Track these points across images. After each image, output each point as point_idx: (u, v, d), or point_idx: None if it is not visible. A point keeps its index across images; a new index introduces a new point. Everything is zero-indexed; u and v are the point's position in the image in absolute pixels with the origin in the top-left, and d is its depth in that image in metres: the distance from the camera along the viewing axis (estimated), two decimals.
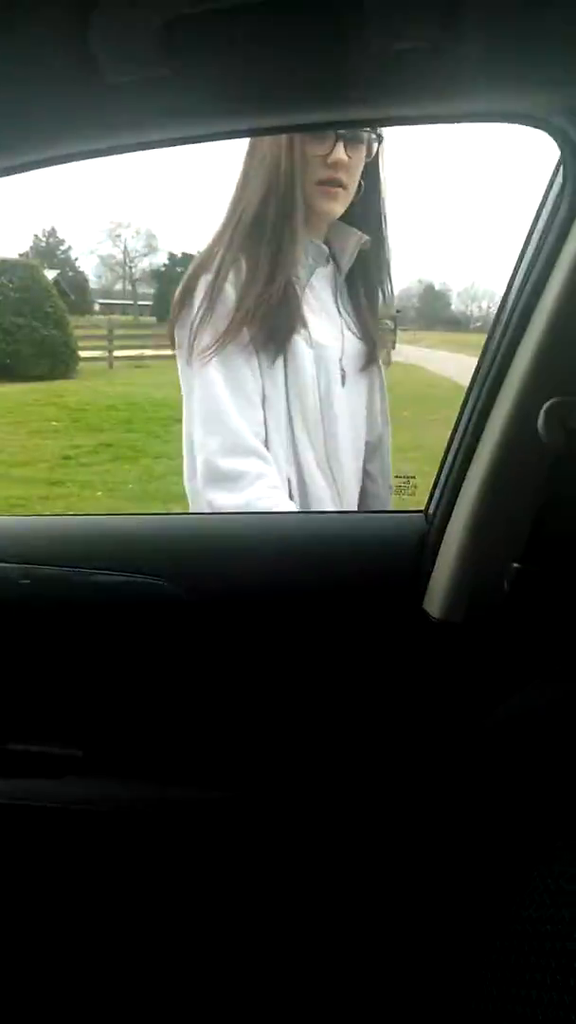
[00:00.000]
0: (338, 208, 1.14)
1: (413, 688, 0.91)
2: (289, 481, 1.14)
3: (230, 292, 1.10)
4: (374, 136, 1.09)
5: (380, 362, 1.25)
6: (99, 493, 5.02)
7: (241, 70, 0.57)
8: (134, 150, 0.66)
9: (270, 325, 1.11)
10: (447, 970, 0.69)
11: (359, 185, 1.14)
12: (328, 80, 0.58)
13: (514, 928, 0.64)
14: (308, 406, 1.17)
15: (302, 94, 0.61)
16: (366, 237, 1.17)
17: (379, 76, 0.58)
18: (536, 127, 0.66)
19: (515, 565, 0.80)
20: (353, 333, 1.22)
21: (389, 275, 1.25)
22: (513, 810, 0.70)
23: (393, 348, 1.33)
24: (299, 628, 0.92)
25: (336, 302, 1.22)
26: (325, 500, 1.18)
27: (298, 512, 1.12)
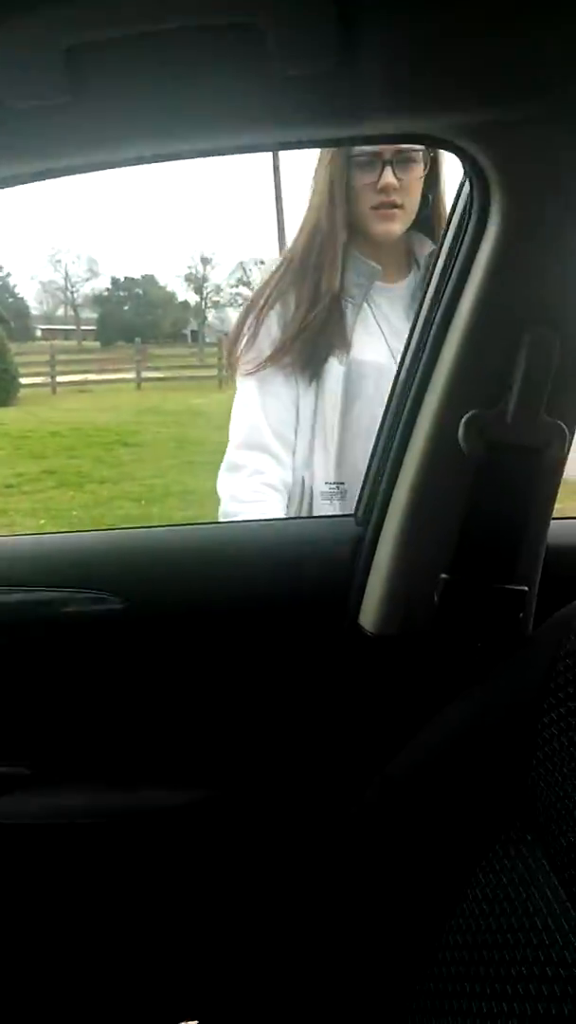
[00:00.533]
0: (396, 227, 1.20)
1: (348, 700, 0.91)
2: (303, 483, 1.23)
3: (274, 321, 1.22)
4: (421, 151, 1.14)
5: None
6: (42, 521, 4.94)
7: (144, 96, 0.57)
8: (40, 178, 0.66)
9: (310, 349, 1.20)
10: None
11: (426, 198, 1.21)
12: (230, 105, 0.59)
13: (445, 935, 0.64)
14: (332, 422, 1.21)
15: (204, 120, 0.61)
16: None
17: (281, 100, 0.59)
18: (441, 148, 0.68)
19: (443, 576, 0.81)
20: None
21: None
22: (439, 827, 0.71)
23: None
24: (231, 638, 0.92)
25: (408, 316, 1.21)
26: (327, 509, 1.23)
27: (228, 522, 1.16)
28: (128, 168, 0.69)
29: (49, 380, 13.80)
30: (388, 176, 1.15)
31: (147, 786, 0.95)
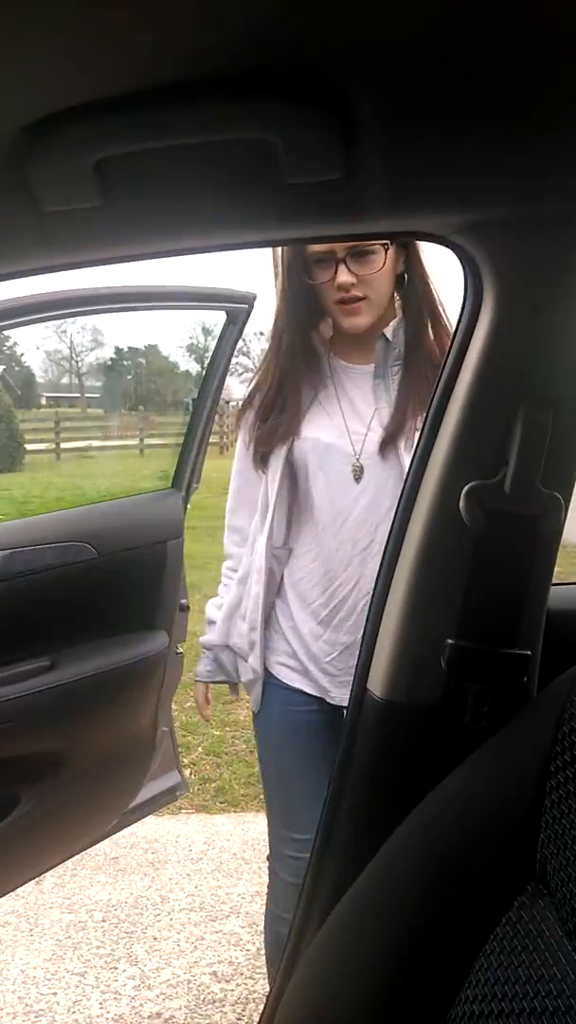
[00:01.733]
0: (362, 321, 1.24)
1: (363, 766, 0.92)
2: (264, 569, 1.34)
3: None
4: (380, 245, 1.17)
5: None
6: None
7: (165, 201, 0.62)
8: (73, 268, 0.71)
9: (268, 433, 1.30)
10: None
11: (402, 279, 1.25)
12: (242, 208, 0.64)
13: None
14: (301, 505, 1.32)
15: (219, 220, 0.67)
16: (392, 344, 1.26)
17: (288, 204, 0.64)
18: (437, 243, 0.74)
19: (450, 641, 0.83)
20: (381, 428, 1.27)
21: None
22: (471, 873, 0.71)
23: None
24: None
25: (374, 399, 1.29)
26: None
27: None
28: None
29: (54, 446, 13.96)
30: (343, 274, 1.18)
31: None
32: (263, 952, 1.55)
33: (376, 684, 0.90)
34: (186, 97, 0.48)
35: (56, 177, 0.55)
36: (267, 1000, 1.06)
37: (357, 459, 1.26)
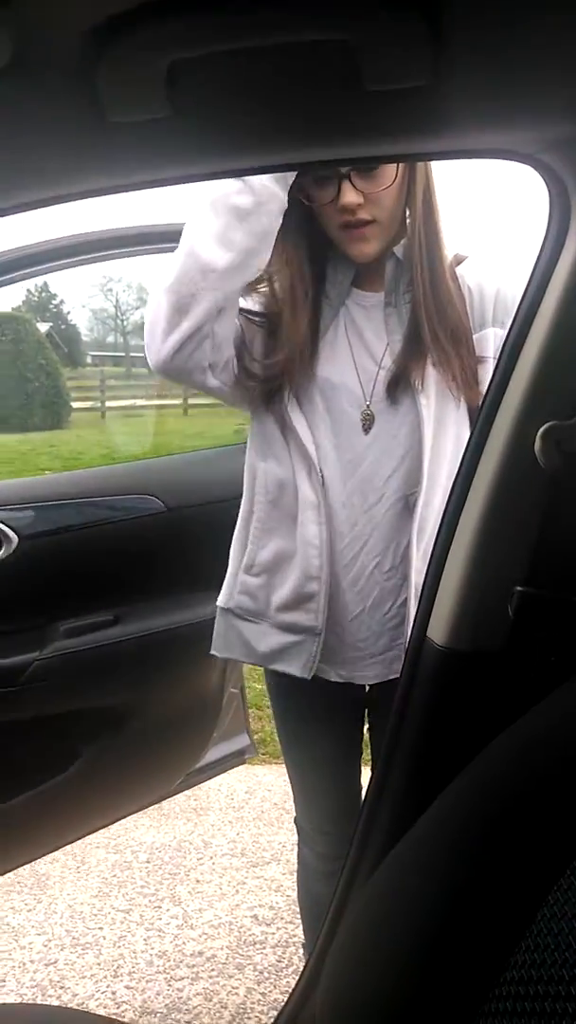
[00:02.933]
0: (370, 248, 1.09)
1: (421, 716, 0.90)
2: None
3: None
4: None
5: (444, 396, 1.11)
6: None
7: (238, 111, 0.59)
8: (136, 188, 0.68)
9: (272, 368, 1.14)
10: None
11: (410, 196, 1.08)
12: (320, 120, 0.61)
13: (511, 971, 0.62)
14: (311, 457, 1.14)
15: (295, 134, 0.63)
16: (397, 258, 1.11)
17: (369, 116, 0.60)
18: (523, 163, 0.69)
19: (518, 588, 0.80)
20: (389, 369, 1.12)
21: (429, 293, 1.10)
22: (530, 828, 0.69)
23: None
24: None
25: (385, 331, 1.13)
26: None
27: None
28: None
29: (99, 405, 14.08)
30: (348, 193, 1.02)
31: None
32: None
33: (437, 631, 0.88)
34: None
35: (126, 83, 0.52)
36: (313, 951, 1.06)
37: (367, 404, 1.13)
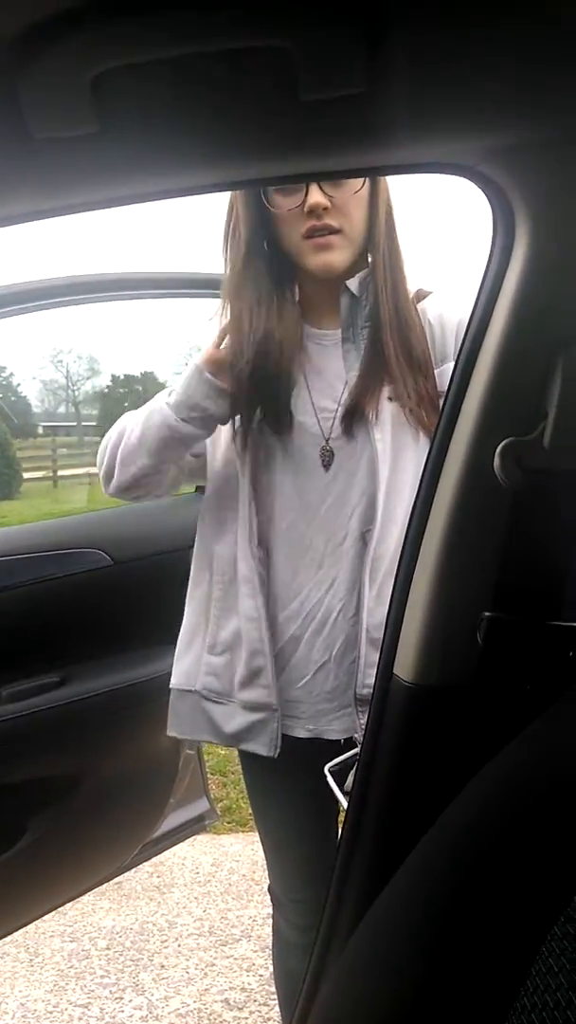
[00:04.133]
0: (336, 258, 1.04)
1: (391, 760, 0.84)
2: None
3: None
4: None
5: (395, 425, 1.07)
6: None
7: (169, 127, 0.57)
8: (67, 212, 0.65)
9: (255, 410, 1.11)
10: None
11: (373, 215, 1.04)
12: (255, 134, 0.59)
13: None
14: (263, 499, 1.12)
15: (229, 150, 0.61)
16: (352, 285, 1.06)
17: (305, 129, 0.58)
18: (463, 176, 0.68)
19: (487, 614, 0.77)
20: (346, 403, 1.08)
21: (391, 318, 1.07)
22: (514, 877, 0.63)
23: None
24: None
25: (344, 368, 1.10)
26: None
27: None
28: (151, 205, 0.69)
29: (51, 474, 13.96)
30: (315, 193, 0.98)
31: None
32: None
33: (404, 668, 0.83)
34: None
35: (50, 96, 0.50)
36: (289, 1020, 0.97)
37: (326, 442, 1.09)
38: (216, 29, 0.48)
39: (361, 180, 1.00)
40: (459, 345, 0.78)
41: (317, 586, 1.11)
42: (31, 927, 2.04)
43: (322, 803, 1.22)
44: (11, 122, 0.50)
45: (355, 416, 1.07)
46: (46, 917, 2.07)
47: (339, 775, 1.10)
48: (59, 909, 2.09)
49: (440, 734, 0.82)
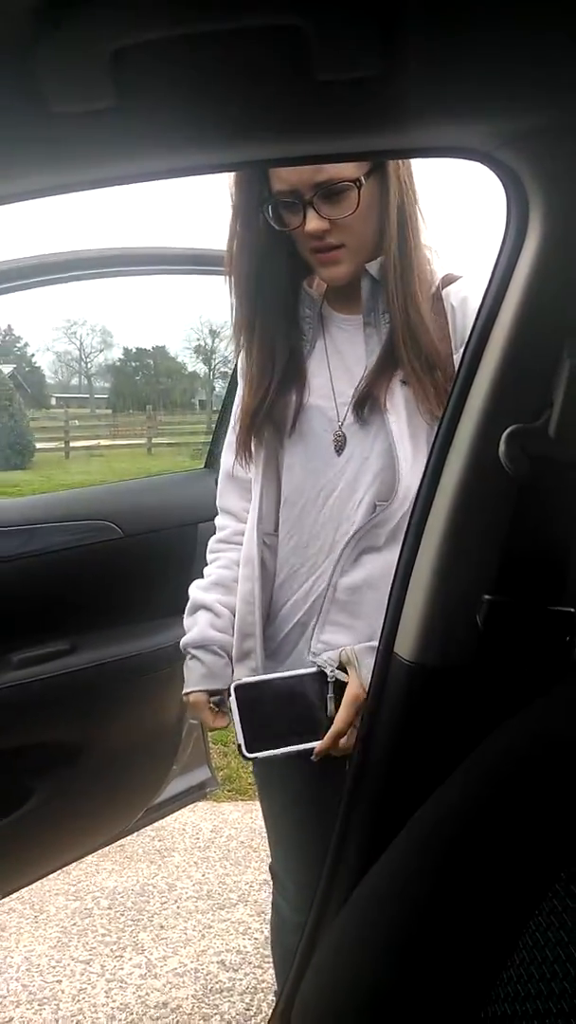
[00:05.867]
0: (341, 271, 1.06)
1: (390, 736, 0.86)
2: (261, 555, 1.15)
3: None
4: (352, 183, 0.99)
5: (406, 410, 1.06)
6: None
7: (186, 102, 0.57)
8: (82, 187, 0.66)
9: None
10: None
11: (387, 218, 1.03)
12: (270, 113, 0.59)
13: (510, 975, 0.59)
14: (274, 481, 1.14)
15: (244, 128, 0.62)
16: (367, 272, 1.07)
17: (320, 109, 0.59)
18: (479, 161, 0.68)
19: (487, 597, 0.78)
20: (360, 388, 1.08)
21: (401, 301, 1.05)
22: (505, 852, 0.65)
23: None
24: None
25: (365, 352, 1.10)
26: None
27: None
28: (171, 181, 0.69)
29: (63, 445, 14.00)
30: (312, 220, 1.00)
31: None
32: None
33: (404, 646, 0.85)
34: None
35: (68, 70, 0.50)
36: (283, 989, 1.01)
37: (340, 426, 1.10)
38: (233, 7, 0.49)
39: (355, 200, 1.00)
40: (471, 333, 0.79)
41: (322, 575, 1.11)
42: (36, 885, 2.09)
43: (324, 782, 1.24)
44: (28, 94, 0.51)
45: (368, 401, 1.07)
46: (51, 876, 2.13)
47: None
48: (63, 869, 2.16)
49: (438, 713, 0.84)
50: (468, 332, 1.07)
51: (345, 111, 0.59)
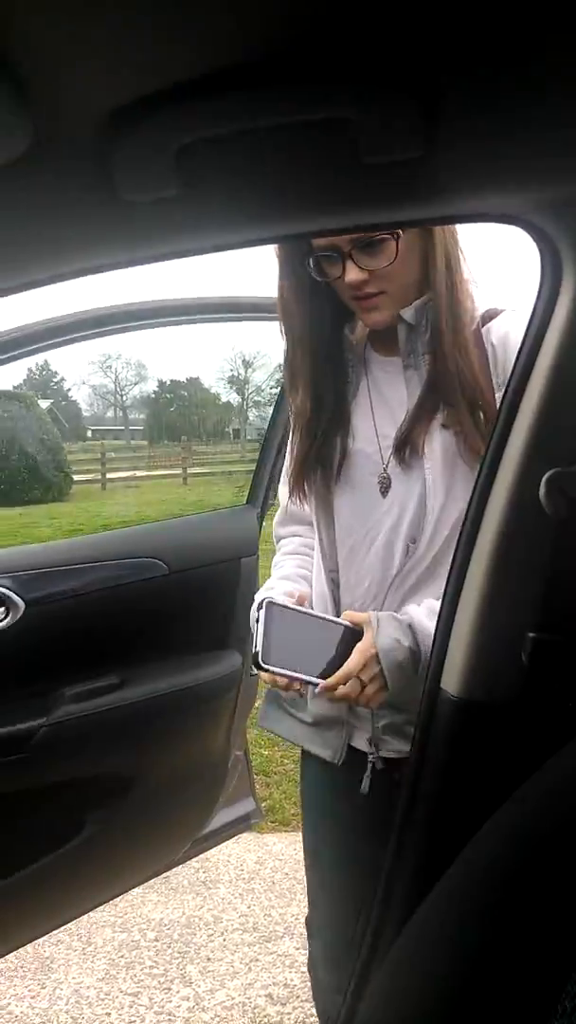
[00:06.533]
0: (381, 316, 1.09)
1: (438, 770, 0.89)
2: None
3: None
4: (390, 236, 1.02)
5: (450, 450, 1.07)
6: None
7: (243, 188, 0.63)
8: (148, 261, 0.72)
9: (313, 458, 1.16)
10: None
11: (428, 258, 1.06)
12: (321, 193, 0.64)
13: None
14: (327, 523, 1.17)
15: (297, 208, 0.67)
16: (404, 318, 1.09)
17: (366, 187, 0.64)
18: (515, 225, 0.73)
19: (531, 635, 0.81)
20: (400, 431, 1.10)
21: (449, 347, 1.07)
22: (556, 889, 0.67)
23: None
24: None
25: (407, 395, 1.12)
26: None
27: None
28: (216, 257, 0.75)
29: (100, 477, 14.23)
30: (351, 272, 1.03)
31: None
32: None
33: (451, 682, 0.88)
34: (266, 78, 0.48)
35: (138, 165, 0.56)
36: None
37: (384, 468, 1.11)
38: (284, 105, 0.54)
39: (393, 250, 1.03)
40: (510, 381, 0.82)
41: (375, 608, 1.12)
42: (83, 917, 2.13)
43: (371, 829, 1.17)
44: (105, 185, 0.57)
45: (407, 444, 1.09)
46: (98, 908, 2.16)
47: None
48: (110, 902, 2.18)
49: (484, 747, 0.87)
50: (510, 367, 1.10)
51: (390, 188, 0.63)
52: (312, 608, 1.16)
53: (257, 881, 2.31)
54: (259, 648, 1.01)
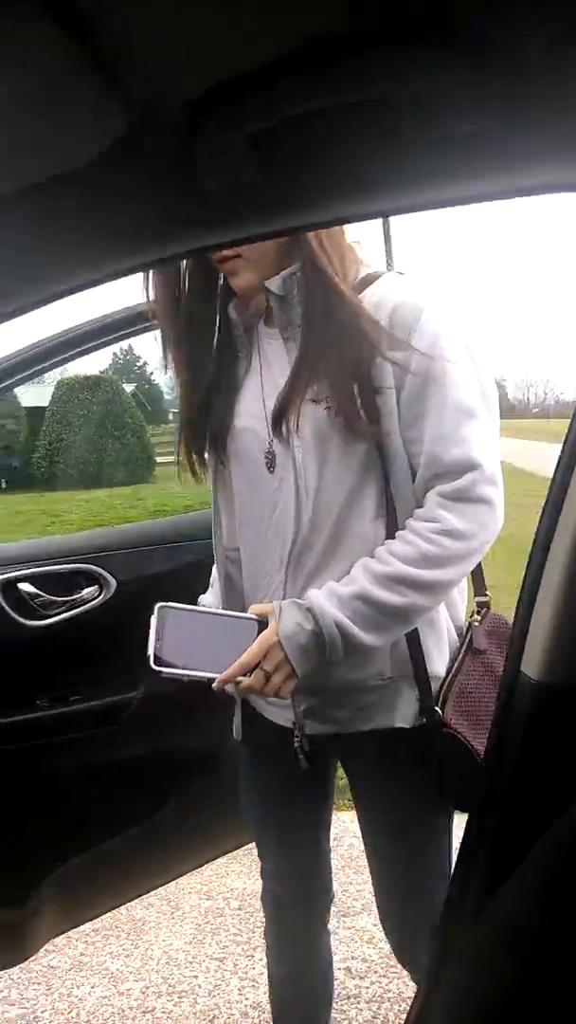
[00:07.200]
0: (241, 281, 1.06)
1: (517, 754, 0.88)
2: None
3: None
4: None
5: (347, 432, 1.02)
6: None
7: (313, 169, 0.63)
8: (234, 244, 0.73)
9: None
10: None
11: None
12: (388, 170, 0.64)
13: None
14: (227, 502, 1.18)
15: (365, 185, 0.67)
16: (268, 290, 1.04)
17: (427, 163, 0.63)
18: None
19: None
20: (274, 406, 1.06)
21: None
22: None
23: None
24: None
25: (285, 369, 1.07)
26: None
27: None
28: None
29: None
30: None
31: None
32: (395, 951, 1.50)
33: (531, 665, 0.87)
34: (328, 58, 0.48)
35: (215, 152, 0.57)
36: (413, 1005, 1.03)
37: (269, 444, 1.08)
38: (346, 84, 0.54)
39: None
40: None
41: (275, 591, 1.10)
42: (171, 884, 2.22)
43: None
44: (185, 172, 0.58)
45: (282, 419, 1.04)
46: (184, 876, 2.25)
47: None
48: (195, 870, 2.26)
49: (565, 731, 0.85)
50: (396, 333, 1.00)
51: (450, 163, 0.63)
52: (220, 593, 1.20)
53: (334, 857, 2.33)
54: (151, 651, 1.02)
